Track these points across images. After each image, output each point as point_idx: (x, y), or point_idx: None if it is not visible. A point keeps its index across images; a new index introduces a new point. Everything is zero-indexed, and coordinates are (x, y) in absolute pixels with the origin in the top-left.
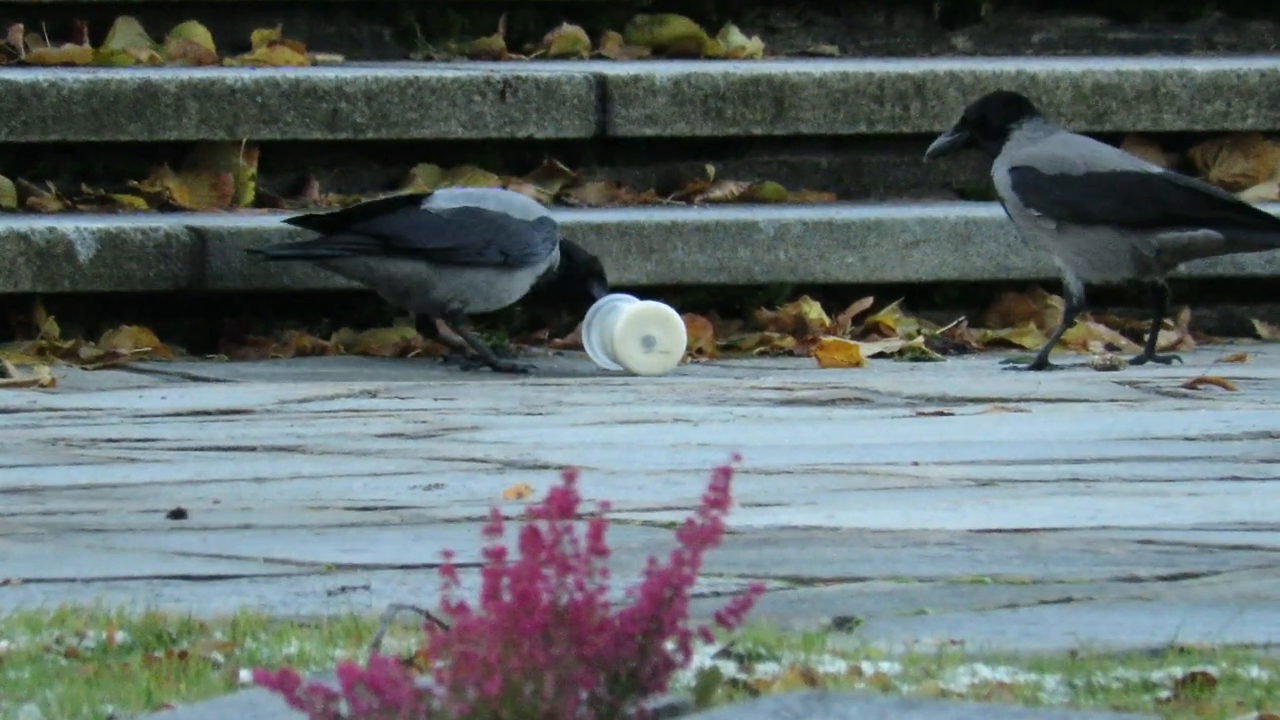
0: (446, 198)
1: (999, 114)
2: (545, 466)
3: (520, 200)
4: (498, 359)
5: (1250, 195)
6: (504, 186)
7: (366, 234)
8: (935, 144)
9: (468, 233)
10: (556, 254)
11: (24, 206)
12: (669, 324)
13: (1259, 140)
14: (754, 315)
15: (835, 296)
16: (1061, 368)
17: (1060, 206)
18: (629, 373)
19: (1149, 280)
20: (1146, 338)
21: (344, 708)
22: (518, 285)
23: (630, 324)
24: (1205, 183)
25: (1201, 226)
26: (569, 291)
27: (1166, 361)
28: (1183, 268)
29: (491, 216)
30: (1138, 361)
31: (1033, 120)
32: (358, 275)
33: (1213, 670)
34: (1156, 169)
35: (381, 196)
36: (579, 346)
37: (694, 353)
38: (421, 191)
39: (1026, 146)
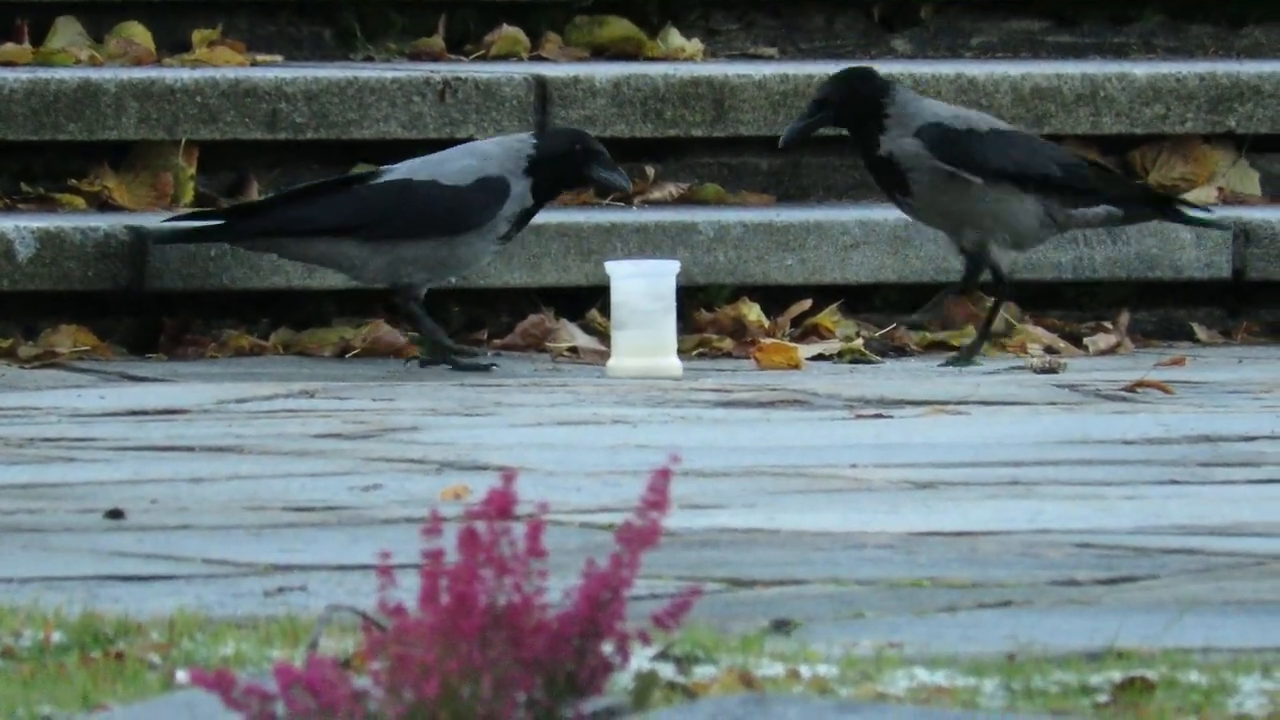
0: (391, 171)
1: (868, 90)
2: (484, 467)
3: (459, 165)
4: (457, 356)
5: (1190, 198)
6: None
7: (277, 217)
8: (789, 131)
9: (388, 209)
10: (518, 197)
11: None
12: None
13: (1198, 144)
14: (693, 317)
15: (774, 298)
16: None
17: (983, 159)
18: (665, 375)
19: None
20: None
21: (280, 709)
22: (471, 251)
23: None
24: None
25: (1091, 195)
26: (568, 184)
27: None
28: (1121, 272)
29: (418, 188)
30: (957, 360)
31: (898, 92)
32: (288, 256)
33: (1151, 674)
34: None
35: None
36: (518, 347)
37: None
38: (372, 170)
39: (919, 112)
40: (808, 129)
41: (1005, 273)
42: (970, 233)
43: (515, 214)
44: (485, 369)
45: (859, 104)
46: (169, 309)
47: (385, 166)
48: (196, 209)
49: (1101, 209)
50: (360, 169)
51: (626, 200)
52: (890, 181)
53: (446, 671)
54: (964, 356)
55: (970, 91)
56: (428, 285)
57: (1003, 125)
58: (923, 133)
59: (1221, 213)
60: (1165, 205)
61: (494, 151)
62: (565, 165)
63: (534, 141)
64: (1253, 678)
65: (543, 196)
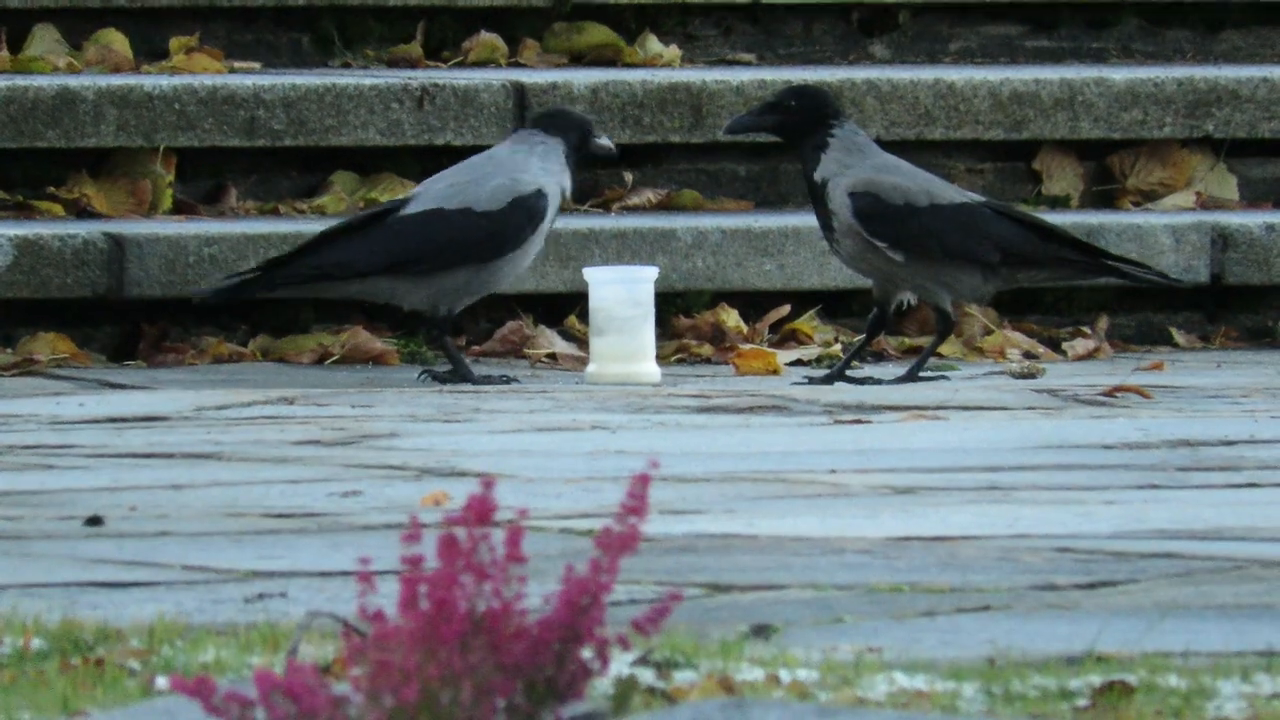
0: (422, 197)
1: (823, 108)
2: (463, 474)
3: (491, 186)
4: (475, 374)
5: (1167, 203)
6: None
7: (308, 265)
8: (736, 120)
9: (424, 243)
10: (556, 196)
11: None
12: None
13: (1176, 148)
14: (672, 323)
15: (753, 304)
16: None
17: (910, 240)
18: (644, 381)
19: (892, 301)
20: (843, 353)
21: (260, 715)
22: (513, 268)
23: None
24: (1033, 214)
25: (1042, 267)
26: (581, 162)
27: (860, 381)
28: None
29: (451, 217)
30: (827, 379)
31: (848, 123)
32: (329, 296)
33: (1131, 679)
34: (980, 198)
35: (364, 210)
36: (496, 353)
37: None
38: (402, 197)
39: (856, 165)
40: (756, 126)
41: (892, 317)
42: (897, 290)
43: (556, 214)
44: (506, 383)
45: (807, 119)
46: (148, 316)
47: (412, 191)
48: (239, 271)
49: (1046, 274)
50: (337, 177)
51: (605, 206)
52: (821, 215)
53: (426, 677)
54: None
55: (949, 96)
56: (466, 304)
57: (948, 197)
58: (856, 198)
59: (1199, 217)
60: (1113, 264)
61: (518, 160)
62: (581, 143)
63: (544, 134)
64: (1232, 681)
65: (574, 181)
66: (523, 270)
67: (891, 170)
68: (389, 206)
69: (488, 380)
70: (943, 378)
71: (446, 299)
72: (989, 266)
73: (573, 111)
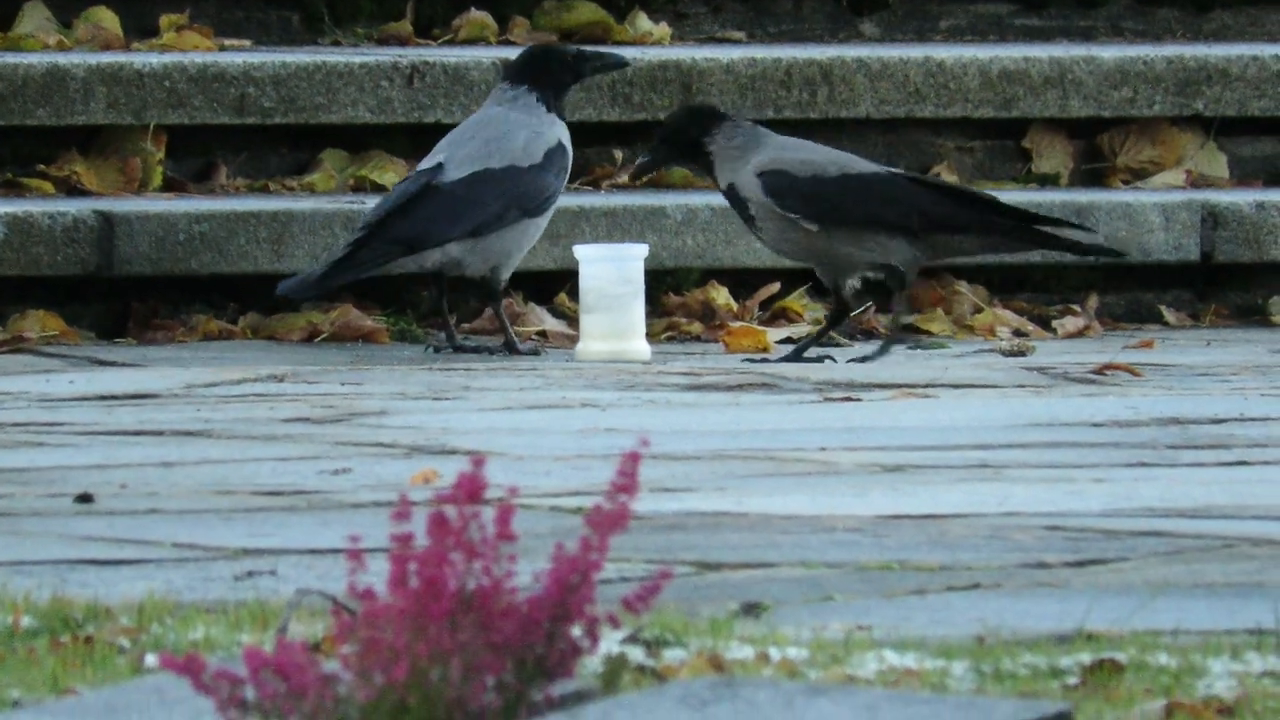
0: (455, 161)
1: (689, 130)
2: (453, 452)
3: (522, 138)
4: (519, 344)
5: (1157, 182)
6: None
7: (390, 240)
8: (641, 163)
9: (484, 205)
10: (569, 142)
11: None
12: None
13: (1166, 127)
14: (661, 300)
15: (743, 282)
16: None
17: (820, 208)
18: (634, 359)
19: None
20: (812, 332)
21: (250, 693)
22: (545, 221)
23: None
24: (956, 184)
25: (967, 232)
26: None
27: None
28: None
29: (501, 176)
30: (782, 360)
31: (727, 126)
32: (401, 272)
33: (1121, 657)
34: (899, 170)
35: (397, 183)
36: (486, 331)
37: None
38: (429, 165)
39: (760, 152)
40: (653, 164)
41: (848, 301)
42: (838, 273)
43: (568, 155)
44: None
45: (684, 142)
46: (137, 293)
47: (431, 160)
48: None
49: (974, 240)
50: (327, 155)
51: (594, 184)
52: (740, 210)
53: (416, 655)
54: (792, 355)
55: (938, 75)
56: (514, 267)
57: (859, 168)
58: (765, 177)
59: (1189, 195)
60: (1047, 230)
61: (517, 116)
62: (566, 74)
63: (511, 86)
64: (1222, 660)
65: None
66: (545, 226)
67: (795, 149)
68: (426, 176)
69: (528, 351)
70: (929, 348)
71: (504, 261)
72: (911, 232)
73: (550, 50)
